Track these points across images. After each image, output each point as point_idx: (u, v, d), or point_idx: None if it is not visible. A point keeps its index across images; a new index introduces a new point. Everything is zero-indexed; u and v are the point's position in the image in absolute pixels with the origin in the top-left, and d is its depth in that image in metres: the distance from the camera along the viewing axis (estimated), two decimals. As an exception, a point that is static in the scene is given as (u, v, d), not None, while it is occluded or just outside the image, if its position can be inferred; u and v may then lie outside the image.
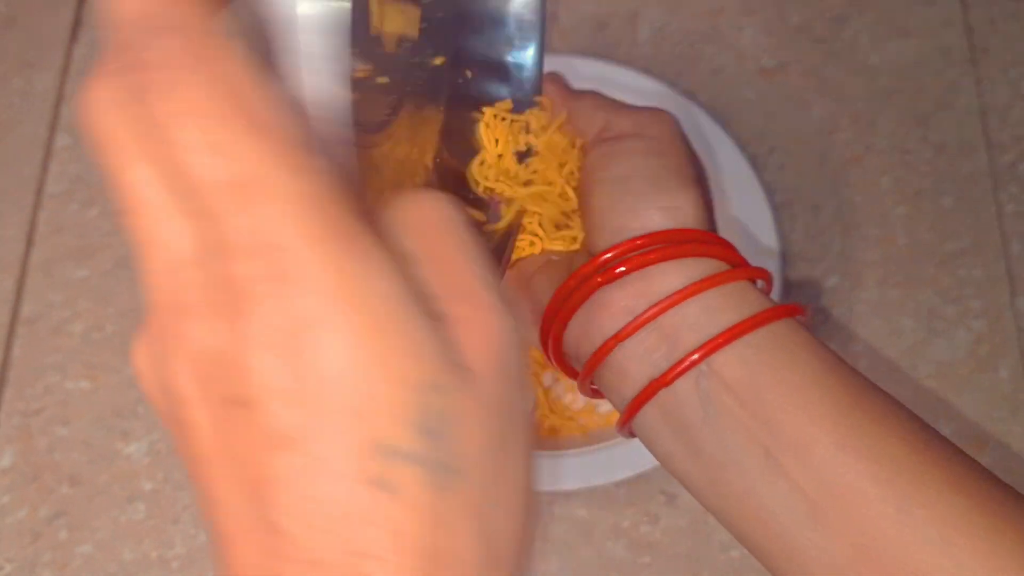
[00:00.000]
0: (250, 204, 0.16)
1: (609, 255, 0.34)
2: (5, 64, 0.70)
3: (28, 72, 0.70)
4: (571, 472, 0.54)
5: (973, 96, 0.67)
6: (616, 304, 0.34)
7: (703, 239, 0.34)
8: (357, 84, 0.23)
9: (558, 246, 0.39)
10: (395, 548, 0.18)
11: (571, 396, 0.59)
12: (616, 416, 0.36)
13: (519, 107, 0.40)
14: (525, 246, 0.39)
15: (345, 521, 0.18)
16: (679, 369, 0.32)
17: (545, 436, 0.58)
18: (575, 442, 0.56)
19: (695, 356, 0.31)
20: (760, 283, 0.35)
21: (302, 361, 0.17)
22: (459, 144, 0.39)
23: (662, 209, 0.34)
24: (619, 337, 0.33)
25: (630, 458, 0.54)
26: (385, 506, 0.18)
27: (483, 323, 0.19)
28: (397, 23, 0.36)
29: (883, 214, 0.64)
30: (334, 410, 0.17)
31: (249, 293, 0.17)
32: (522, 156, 0.39)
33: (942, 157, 0.65)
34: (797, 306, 0.33)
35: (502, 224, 0.38)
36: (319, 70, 0.18)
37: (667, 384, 0.32)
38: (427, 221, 0.19)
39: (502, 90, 0.40)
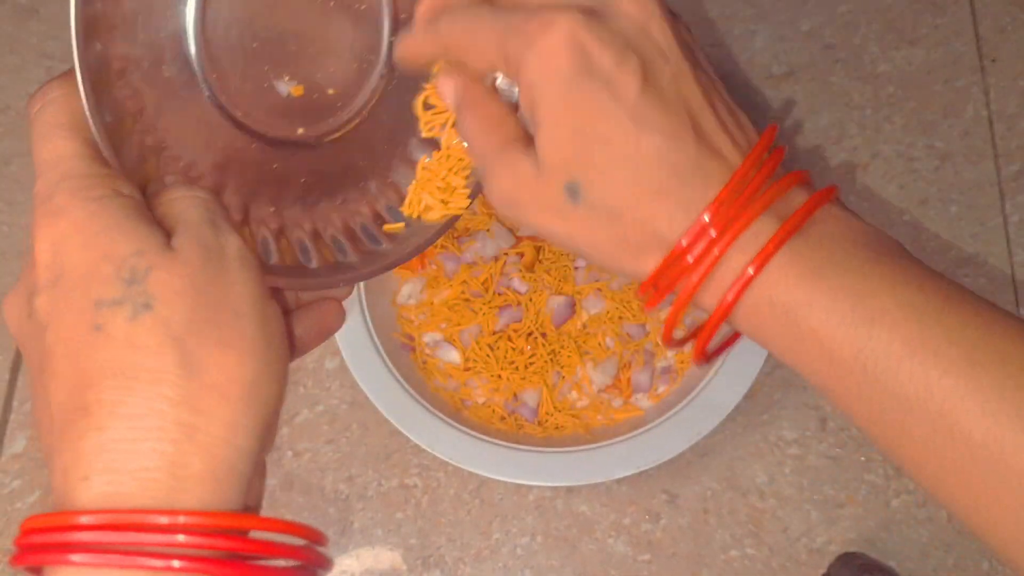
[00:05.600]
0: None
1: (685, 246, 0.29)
2: (25, 55, 0.71)
3: (48, 63, 0.70)
4: (574, 468, 0.55)
5: (981, 105, 0.67)
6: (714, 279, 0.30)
7: (743, 186, 0.29)
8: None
9: None
10: (101, 372, 0.25)
11: (576, 394, 0.59)
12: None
13: None
14: None
15: (77, 364, 0.25)
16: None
17: (550, 433, 0.58)
18: (579, 439, 0.57)
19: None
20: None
21: (56, 261, 0.26)
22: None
23: (682, 202, 0.29)
24: (731, 305, 0.29)
25: (632, 456, 0.55)
26: (97, 342, 0.25)
27: (190, 230, 0.28)
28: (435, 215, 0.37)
29: (889, 221, 0.65)
30: (71, 289, 0.26)
31: (33, 229, 0.27)
32: None
33: (948, 165, 0.66)
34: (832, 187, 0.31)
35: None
36: None
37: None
38: (176, 206, 0.29)
39: None
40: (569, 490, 0.59)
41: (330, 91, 0.35)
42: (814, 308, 0.29)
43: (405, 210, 0.38)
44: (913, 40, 0.69)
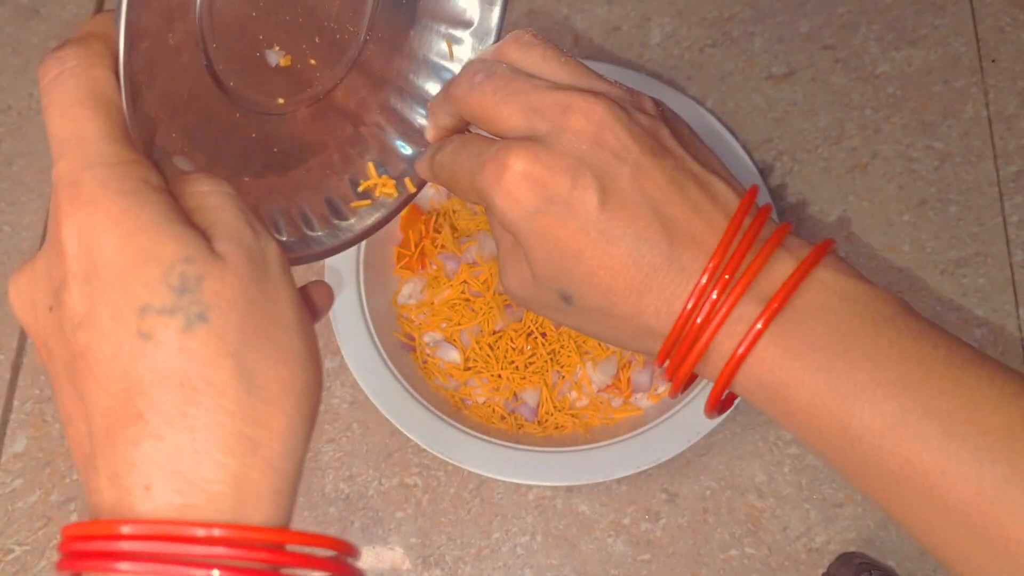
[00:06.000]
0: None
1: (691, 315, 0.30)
2: (26, 55, 0.71)
3: (48, 64, 0.71)
4: (574, 468, 0.55)
5: (980, 105, 0.67)
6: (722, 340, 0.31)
7: (731, 246, 0.30)
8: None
9: None
10: (155, 380, 0.24)
11: (575, 394, 0.59)
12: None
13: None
14: None
15: (123, 370, 0.24)
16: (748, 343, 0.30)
17: (550, 433, 0.58)
18: (579, 439, 0.57)
19: (759, 326, 0.30)
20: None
21: (87, 255, 0.24)
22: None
23: (678, 271, 0.30)
24: (742, 357, 0.31)
25: (632, 456, 0.55)
26: (147, 350, 0.24)
27: (234, 233, 0.27)
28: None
29: (888, 221, 0.65)
30: (108, 289, 0.24)
31: (56, 215, 0.25)
32: None
33: (948, 166, 0.66)
34: (828, 242, 0.31)
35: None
36: None
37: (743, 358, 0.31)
38: (207, 192, 0.28)
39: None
40: (569, 489, 0.59)
41: (312, 62, 0.35)
42: (798, 388, 0.29)
43: (365, 184, 0.38)
44: (913, 40, 0.69)
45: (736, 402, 0.35)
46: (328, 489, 0.59)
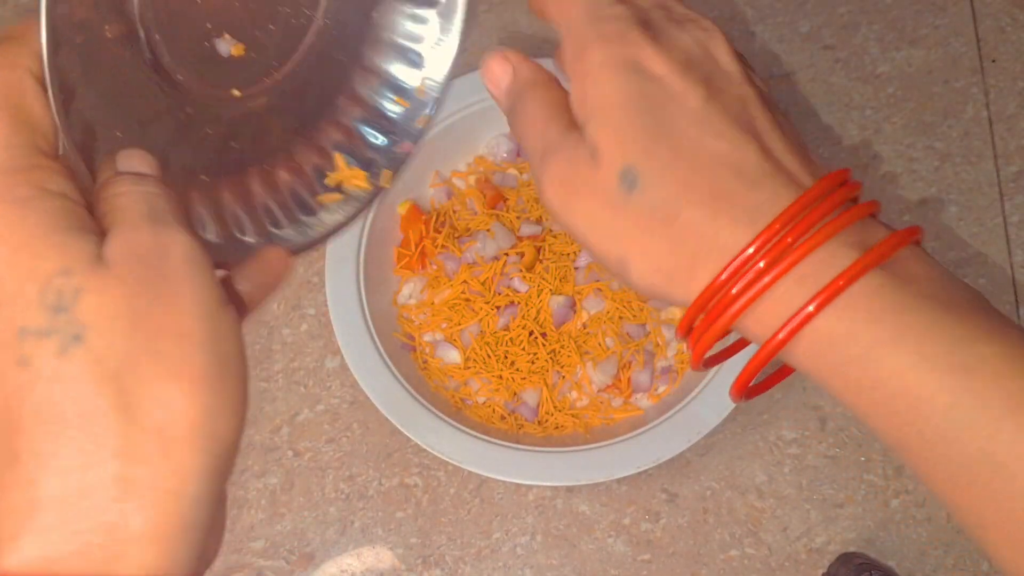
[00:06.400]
0: None
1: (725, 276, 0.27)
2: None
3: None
4: (574, 468, 0.55)
5: (981, 106, 0.67)
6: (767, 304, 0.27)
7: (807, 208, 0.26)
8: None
9: None
10: (30, 414, 0.22)
11: (576, 394, 0.59)
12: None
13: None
14: None
15: (4, 404, 0.22)
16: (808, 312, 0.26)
17: (550, 433, 0.58)
18: (579, 439, 0.57)
19: (841, 282, 0.26)
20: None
21: None
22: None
23: (738, 219, 0.27)
24: (786, 339, 0.27)
25: (632, 456, 0.55)
26: (25, 380, 0.22)
27: (124, 233, 0.24)
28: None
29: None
30: None
31: None
32: None
33: (948, 166, 0.66)
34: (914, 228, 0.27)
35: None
36: None
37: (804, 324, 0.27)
38: (114, 192, 0.25)
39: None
40: (569, 489, 0.59)
41: (268, 49, 0.34)
42: (899, 349, 0.25)
43: (334, 177, 0.36)
44: (913, 40, 0.69)
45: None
46: (328, 489, 0.59)
